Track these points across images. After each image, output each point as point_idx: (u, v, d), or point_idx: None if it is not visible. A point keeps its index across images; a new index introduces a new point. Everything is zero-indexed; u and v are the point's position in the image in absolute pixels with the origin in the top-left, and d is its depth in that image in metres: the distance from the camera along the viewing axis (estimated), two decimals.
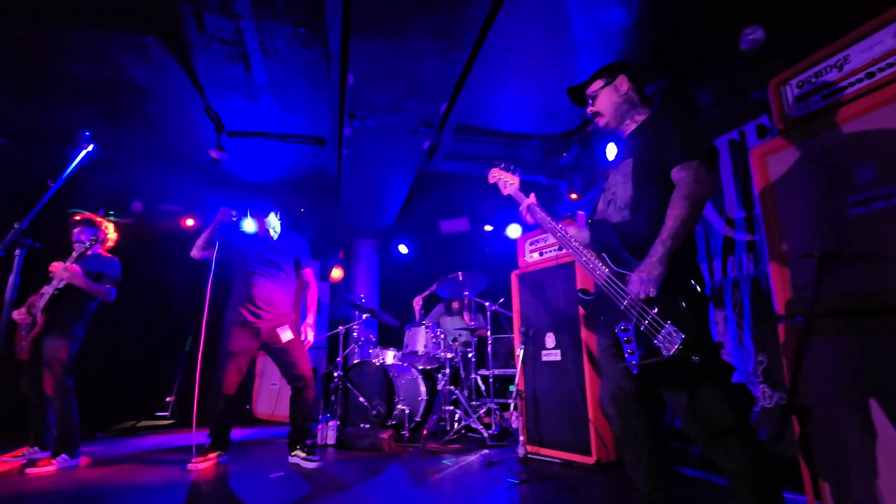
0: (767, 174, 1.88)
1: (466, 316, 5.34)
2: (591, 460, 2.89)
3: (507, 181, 2.18)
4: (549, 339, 3.31)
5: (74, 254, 3.24)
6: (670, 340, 1.36)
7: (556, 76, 3.88)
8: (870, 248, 1.52)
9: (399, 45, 3.19)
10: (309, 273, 3.53)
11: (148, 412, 5.55)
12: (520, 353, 3.41)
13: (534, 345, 3.42)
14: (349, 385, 4.19)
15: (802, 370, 1.53)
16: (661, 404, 1.59)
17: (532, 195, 2.06)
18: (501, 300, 4.67)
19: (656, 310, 1.42)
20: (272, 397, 5.55)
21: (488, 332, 4.61)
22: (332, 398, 4.30)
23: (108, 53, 3.66)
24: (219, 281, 3.33)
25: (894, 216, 1.48)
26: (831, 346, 1.60)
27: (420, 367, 4.52)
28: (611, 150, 4.14)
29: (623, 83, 1.76)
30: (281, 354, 3.23)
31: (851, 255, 1.55)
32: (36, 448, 3.31)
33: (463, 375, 4.60)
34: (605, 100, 1.79)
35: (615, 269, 1.57)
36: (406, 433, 3.94)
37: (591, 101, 1.84)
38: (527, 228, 4.61)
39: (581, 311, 3.12)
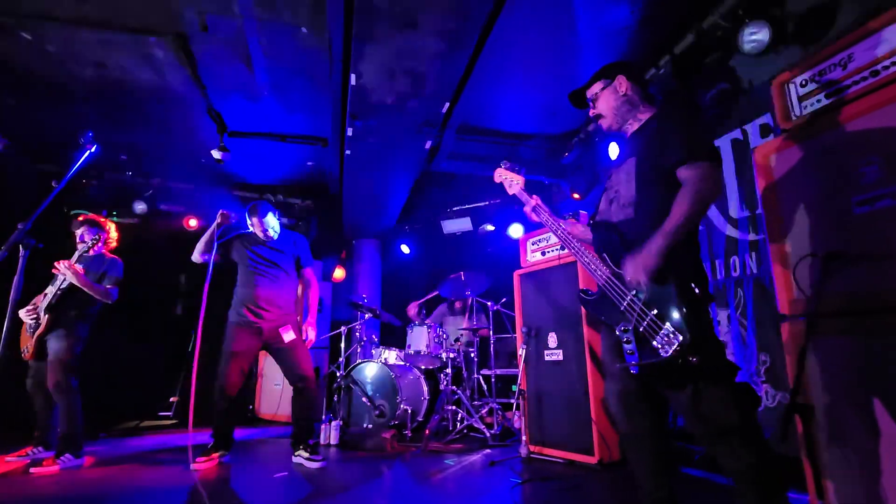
0: (770, 173, 1.88)
1: (466, 322, 5.35)
2: (593, 460, 2.88)
3: (512, 181, 2.18)
4: (552, 339, 3.31)
5: (77, 253, 3.26)
6: (668, 342, 1.36)
7: (559, 75, 3.87)
8: (874, 247, 1.52)
9: (401, 45, 3.19)
10: (310, 272, 3.53)
11: (151, 412, 5.57)
12: (522, 352, 3.41)
13: (536, 344, 3.41)
14: (352, 385, 4.19)
15: (806, 370, 1.53)
16: (665, 403, 1.59)
17: (535, 196, 2.06)
18: (504, 300, 4.66)
19: (655, 311, 1.42)
20: (275, 397, 5.55)
21: (490, 332, 4.60)
22: (335, 398, 4.31)
23: (111, 55, 3.67)
24: (218, 282, 3.34)
25: None
26: (835, 346, 1.60)
27: (422, 367, 4.53)
28: (613, 150, 4.13)
29: (622, 83, 1.76)
30: (283, 354, 3.24)
31: (855, 255, 1.54)
32: (40, 448, 3.32)
33: (465, 375, 4.60)
34: (606, 101, 1.79)
35: (616, 269, 1.57)
36: (408, 433, 3.94)
37: (591, 104, 1.84)
38: (530, 228, 4.61)
39: (584, 310, 3.12)
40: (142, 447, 3.91)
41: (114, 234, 3.63)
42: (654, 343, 1.40)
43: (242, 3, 3.11)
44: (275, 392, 5.58)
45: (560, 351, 3.24)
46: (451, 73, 3.52)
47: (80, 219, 3.50)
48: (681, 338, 1.34)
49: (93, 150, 2.11)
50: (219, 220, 3.24)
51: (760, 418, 2.80)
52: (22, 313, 3.26)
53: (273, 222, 3.38)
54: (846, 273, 1.57)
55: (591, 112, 1.84)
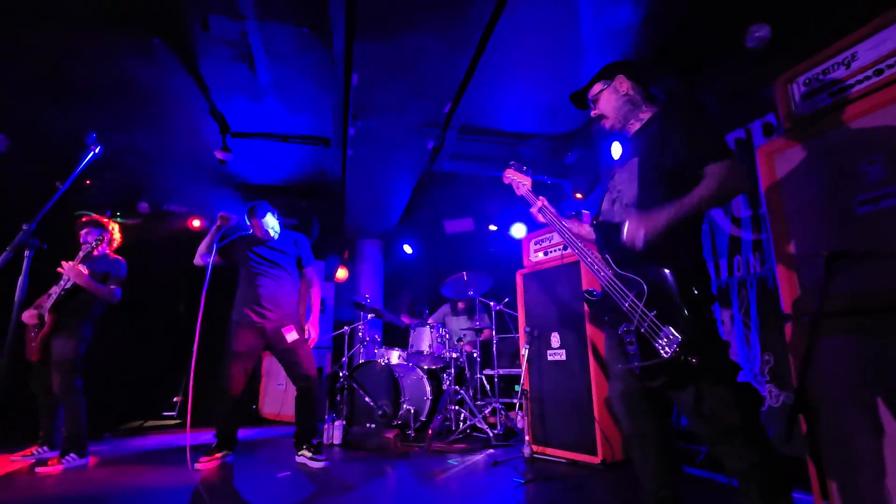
0: (774, 172, 1.87)
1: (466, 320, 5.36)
2: (596, 460, 2.88)
3: (520, 182, 2.19)
4: (555, 339, 3.31)
5: (81, 254, 3.27)
6: (668, 343, 1.36)
7: (561, 75, 3.87)
8: (878, 246, 1.51)
9: (403, 46, 3.19)
10: (311, 272, 3.54)
11: (155, 412, 5.59)
12: (525, 352, 3.41)
13: (539, 344, 3.41)
14: (354, 385, 4.20)
15: (810, 370, 1.52)
16: (668, 404, 1.59)
17: (542, 197, 2.06)
18: (506, 300, 4.66)
19: (655, 312, 1.42)
20: (278, 397, 5.57)
21: (493, 332, 4.60)
22: (338, 398, 4.32)
23: (114, 56, 3.69)
24: (221, 282, 3.35)
25: None
26: (839, 346, 1.59)
27: (425, 367, 4.53)
28: (616, 149, 4.13)
29: (622, 83, 1.75)
30: (286, 355, 3.25)
31: (859, 254, 1.54)
32: (45, 447, 3.35)
33: (468, 375, 4.60)
34: (607, 102, 1.78)
35: (618, 270, 1.57)
36: (411, 433, 3.95)
37: (593, 105, 1.84)
38: (533, 228, 4.60)
39: (587, 309, 3.11)
40: (146, 447, 3.92)
41: (117, 235, 3.64)
42: (656, 344, 1.40)
43: (245, 3, 3.12)
44: (278, 392, 5.59)
45: (563, 351, 3.24)
46: (453, 73, 3.53)
47: (84, 219, 3.51)
48: (680, 338, 1.34)
49: (97, 150, 2.12)
50: (218, 222, 3.25)
51: (764, 418, 2.79)
52: (25, 317, 3.27)
53: (272, 222, 3.38)
54: (850, 272, 1.56)
55: (593, 113, 1.84)
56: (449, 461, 3.23)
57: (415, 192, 5.70)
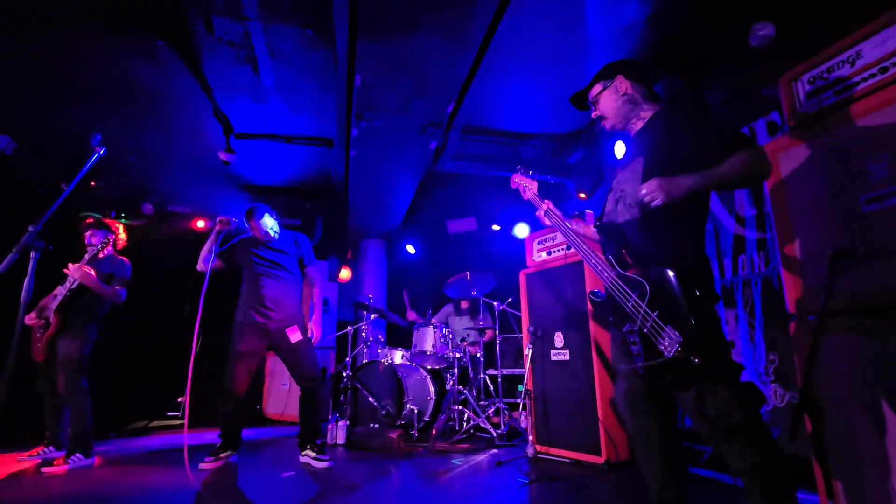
0: (778, 171, 1.86)
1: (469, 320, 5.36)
2: (600, 460, 2.88)
3: (527, 186, 2.21)
4: (558, 339, 3.30)
5: (87, 256, 3.29)
6: (671, 342, 1.36)
7: (564, 74, 3.86)
8: (884, 245, 1.50)
9: (406, 46, 3.19)
10: (313, 271, 3.55)
11: (160, 412, 5.61)
12: (528, 352, 3.40)
13: (542, 344, 3.41)
14: (358, 385, 4.20)
15: (815, 369, 1.52)
16: (673, 403, 1.59)
17: (547, 201, 2.07)
18: (510, 300, 4.66)
19: (657, 312, 1.42)
20: (282, 397, 5.59)
21: (496, 332, 4.60)
22: (342, 398, 4.32)
23: (119, 58, 3.71)
24: (224, 283, 3.36)
25: None
26: (844, 345, 1.58)
27: (428, 367, 4.53)
28: (619, 149, 4.12)
29: (622, 83, 1.75)
30: (290, 355, 3.26)
31: (865, 253, 1.53)
32: (51, 447, 3.37)
33: (471, 375, 4.60)
34: (607, 102, 1.78)
35: (621, 271, 1.57)
36: (415, 433, 3.95)
37: (593, 106, 1.84)
38: (536, 227, 4.60)
39: (590, 309, 3.11)
40: (150, 447, 3.94)
41: (122, 236, 3.66)
42: (658, 344, 1.40)
43: (248, 5, 3.13)
44: (282, 392, 5.61)
45: (566, 350, 3.24)
46: (456, 73, 3.53)
47: (89, 221, 3.53)
48: (682, 338, 1.34)
49: (101, 152, 2.13)
50: (217, 227, 3.26)
51: (769, 418, 2.78)
52: (28, 320, 3.29)
53: (271, 223, 3.39)
54: (855, 271, 1.56)
55: (594, 114, 1.84)
56: (452, 461, 3.23)
57: (418, 192, 5.70)
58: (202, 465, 2.97)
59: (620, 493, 2.47)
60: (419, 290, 5.74)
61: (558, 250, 3.52)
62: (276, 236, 3.42)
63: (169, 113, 4.50)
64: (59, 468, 2.94)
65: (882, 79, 1.60)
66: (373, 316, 4.93)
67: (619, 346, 1.65)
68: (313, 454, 3.12)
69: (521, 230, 5.82)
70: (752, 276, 3.06)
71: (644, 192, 1.47)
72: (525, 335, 3.56)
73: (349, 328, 4.81)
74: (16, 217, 2.58)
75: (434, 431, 3.71)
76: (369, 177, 5.18)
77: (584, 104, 1.89)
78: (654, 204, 1.44)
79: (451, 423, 4.19)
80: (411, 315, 5.45)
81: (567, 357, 3.23)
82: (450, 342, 4.53)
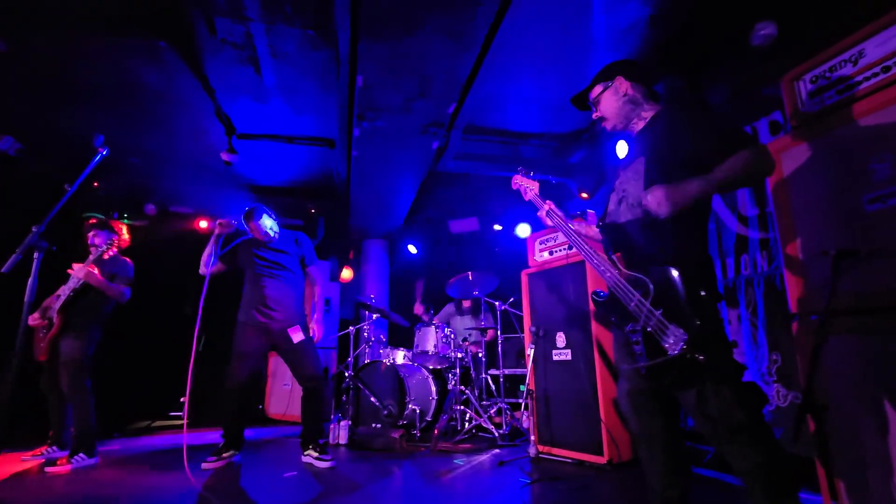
0: (781, 170, 1.86)
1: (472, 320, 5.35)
2: (602, 460, 2.87)
3: (528, 187, 2.21)
4: (560, 339, 3.30)
5: (92, 256, 3.30)
6: (675, 340, 1.36)
7: (566, 74, 3.86)
8: (887, 244, 1.50)
9: (408, 46, 3.20)
10: (314, 270, 3.56)
11: (162, 412, 5.63)
12: (530, 352, 3.40)
13: (544, 344, 3.41)
14: (360, 385, 4.21)
15: (818, 369, 1.51)
16: (676, 403, 1.59)
17: (549, 201, 2.07)
18: (511, 299, 4.66)
19: (661, 311, 1.42)
20: (284, 397, 5.60)
21: (498, 332, 4.60)
22: (344, 398, 4.33)
23: (121, 59, 3.72)
24: (226, 283, 3.37)
25: None
26: (847, 345, 1.58)
27: (430, 367, 4.53)
28: (621, 148, 4.11)
29: (622, 84, 1.75)
30: (292, 355, 3.26)
31: (868, 252, 1.53)
32: (55, 447, 3.38)
33: (473, 375, 4.61)
34: (607, 104, 1.78)
35: (624, 270, 1.57)
36: (417, 433, 3.95)
37: (594, 107, 1.84)
38: (538, 227, 4.60)
39: (592, 309, 3.11)
40: (154, 447, 3.95)
41: (126, 236, 3.68)
42: (662, 342, 1.40)
43: (250, 6, 3.14)
44: (284, 392, 5.62)
45: (568, 350, 3.24)
46: (458, 73, 3.53)
47: (92, 221, 3.54)
48: (687, 336, 1.34)
49: (104, 152, 2.14)
50: (217, 230, 3.27)
51: (772, 418, 2.78)
52: (30, 321, 3.30)
53: (270, 223, 3.39)
54: (858, 271, 1.55)
55: (594, 115, 1.84)
56: (455, 461, 3.23)
57: (419, 192, 5.71)
58: (205, 465, 2.98)
59: (623, 493, 2.47)
60: (422, 289, 5.74)
61: (560, 250, 3.52)
62: (276, 236, 3.43)
63: (171, 113, 4.51)
64: (62, 468, 2.95)
65: (885, 78, 1.60)
66: (374, 316, 4.93)
67: (622, 345, 1.65)
68: (316, 454, 3.12)
69: (523, 230, 5.82)
70: (754, 276, 3.05)
71: (649, 203, 1.45)
72: (527, 335, 3.56)
73: (351, 328, 4.81)
74: (19, 218, 2.59)
75: (436, 431, 3.71)
76: (371, 177, 5.19)
77: (584, 105, 1.89)
78: (662, 216, 1.42)
79: (453, 423, 4.19)
80: (418, 309, 5.43)
81: (569, 357, 3.22)
82: (452, 342, 4.53)
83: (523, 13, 3.09)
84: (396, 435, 3.64)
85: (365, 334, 4.96)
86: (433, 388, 4.28)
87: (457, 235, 6.76)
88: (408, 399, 3.95)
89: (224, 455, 3.09)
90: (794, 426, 1.40)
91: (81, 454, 3.07)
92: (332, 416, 4.16)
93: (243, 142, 4.89)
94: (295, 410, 5.37)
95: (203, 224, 6.17)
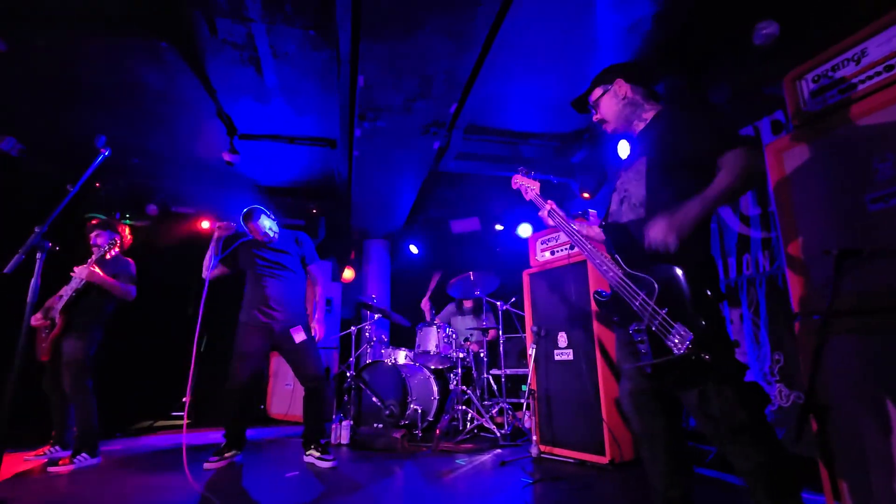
0: (783, 170, 1.85)
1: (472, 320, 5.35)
2: (604, 460, 2.87)
3: (528, 187, 2.21)
4: (562, 339, 3.30)
5: (94, 257, 3.30)
6: (681, 339, 1.36)
7: (567, 74, 3.86)
8: (889, 244, 1.49)
9: (409, 46, 3.20)
10: (315, 269, 3.56)
11: (164, 412, 5.64)
12: (532, 352, 3.40)
13: (546, 344, 3.41)
14: (362, 385, 4.21)
15: (820, 369, 1.51)
16: (679, 403, 1.59)
17: (550, 201, 2.07)
18: (513, 299, 4.66)
19: (666, 310, 1.41)
20: (286, 397, 5.60)
21: (500, 332, 4.60)
22: (345, 398, 4.33)
23: (123, 59, 3.72)
24: (228, 284, 3.37)
25: None
26: (850, 345, 1.58)
27: (432, 367, 4.53)
28: (622, 147, 4.10)
29: (621, 86, 1.75)
30: (294, 356, 3.26)
31: (870, 252, 1.52)
32: (57, 447, 3.39)
33: (475, 375, 4.60)
34: (608, 106, 1.79)
35: (628, 270, 1.57)
36: (419, 433, 3.95)
37: (594, 110, 1.84)
38: (539, 227, 4.59)
39: (594, 309, 3.11)
40: (156, 446, 3.96)
41: (128, 236, 3.68)
42: (667, 341, 1.39)
43: (252, 6, 3.14)
44: (286, 392, 5.62)
45: (570, 350, 3.23)
46: (459, 73, 3.53)
47: (94, 222, 3.55)
48: (693, 335, 1.34)
49: (106, 153, 2.14)
50: (217, 233, 3.29)
51: (774, 418, 2.77)
52: (33, 321, 3.30)
53: (268, 223, 3.40)
54: (861, 270, 1.55)
55: (595, 118, 1.84)
56: (456, 461, 3.23)
57: (421, 192, 5.71)
58: (206, 465, 2.98)
59: (625, 493, 2.47)
60: (422, 290, 5.73)
61: (561, 250, 3.52)
62: (276, 237, 3.44)
63: (173, 114, 4.52)
64: (64, 468, 2.96)
65: (887, 77, 1.59)
66: (376, 316, 4.93)
67: (625, 345, 1.65)
68: (317, 454, 3.12)
69: (525, 230, 5.81)
70: (756, 276, 3.04)
71: (654, 240, 1.43)
72: (528, 335, 3.56)
73: (352, 328, 4.81)
74: (21, 218, 2.60)
75: (438, 431, 3.71)
76: (372, 177, 5.19)
77: (584, 108, 1.90)
78: (672, 249, 1.40)
79: (454, 423, 4.19)
80: (426, 304, 5.41)
81: (571, 357, 3.22)
82: (453, 342, 4.53)
83: (524, 13, 3.09)
84: (398, 435, 3.65)
85: (366, 334, 4.96)
86: (435, 388, 4.28)
87: (458, 235, 6.76)
88: (409, 399, 3.95)
89: (226, 455, 3.09)
90: (797, 426, 1.40)
91: (84, 454, 3.08)
92: (333, 416, 4.16)
93: (245, 142, 4.90)
94: (297, 410, 5.36)
95: (205, 224, 6.18)
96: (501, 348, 4.60)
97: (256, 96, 4.23)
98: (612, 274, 1.62)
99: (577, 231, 1.87)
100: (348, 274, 7.31)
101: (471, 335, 5.02)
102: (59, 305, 3.25)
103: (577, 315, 3.21)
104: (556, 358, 3.32)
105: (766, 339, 2.92)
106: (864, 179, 1.58)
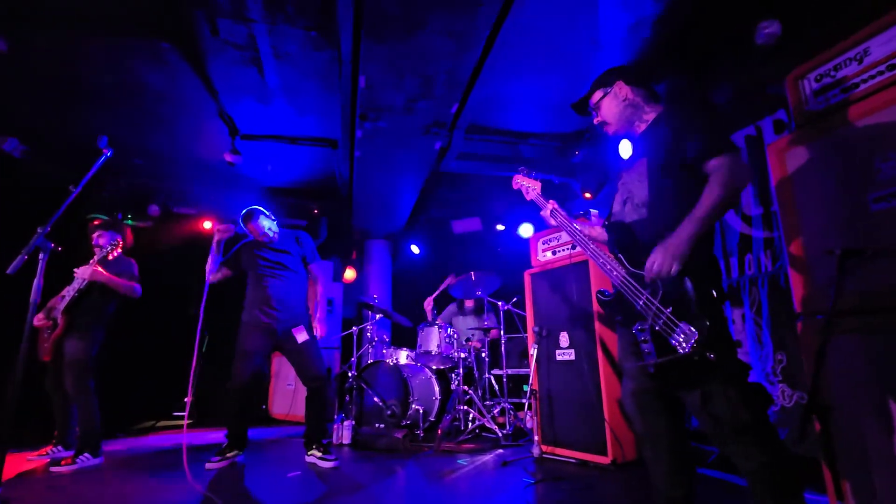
0: (785, 170, 1.85)
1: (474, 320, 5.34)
2: (606, 460, 2.87)
3: (529, 187, 2.21)
4: (563, 339, 3.30)
5: (96, 257, 3.31)
6: (685, 339, 1.36)
7: (568, 74, 3.85)
8: (892, 243, 1.49)
9: (410, 47, 3.20)
10: (316, 268, 3.56)
11: (166, 412, 5.65)
12: (533, 352, 3.40)
13: (547, 344, 3.40)
14: (364, 385, 4.21)
15: (823, 369, 1.51)
16: (681, 403, 1.58)
17: (552, 201, 2.07)
18: (514, 299, 4.66)
19: (670, 309, 1.41)
20: (288, 397, 5.61)
21: (501, 332, 4.60)
22: (347, 398, 4.33)
23: (125, 60, 3.73)
24: (229, 285, 3.37)
25: None
26: (852, 345, 1.57)
27: (433, 367, 4.53)
28: (624, 148, 4.10)
29: (621, 89, 1.75)
30: (296, 356, 3.27)
31: (873, 252, 1.52)
32: (60, 447, 3.39)
33: (476, 375, 4.60)
34: (608, 109, 1.79)
35: (631, 269, 1.57)
36: (421, 433, 3.95)
37: (595, 112, 1.84)
38: (541, 227, 4.59)
39: (596, 309, 3.10)
40: (157, 446, 3.97)
41: (129, 237, 3.69)
42: (671, 340, 1.39)
43: (253, 7, 3.14)
44: (287, 392, 5.63)
45: (572, 350, 3.23)
46: (460, 73, 3.52)
47: (96, 222, 3.56)
48: (698, 334, 1.34)
49: (108, 154, 2.15)
50: (217, 235, 3.30)
51: (777, 418, 2.77)
52: (35, 321, 3.31)
53: (268, 224, 3.41)
54: (864, 270, 1.54)
55: (596, 120, 1.85)
56: (458, 461, 3.23)
57: (422, 192, 5.70)
58: (208, 465, 2.99)
59: (627, 493, 2.46)
60: (423, 290, 5.73)
61: (563, 250, 3.51)
62: (276, 237, 3.44)
63: (174, 114, 4.52)
64: (67, 468, 2.96)
65: (890, 76, 1.59)
66: (378, 316, 4.93)
67: (628, 344, 1.65)
68: (319, 454, 3.13)
69: (526, 230, 5.81)
70: (758, 276, 3.04)
71: (658, 270, 1.44)
72: (530, 335, 3.56)
73: (354, 328, 4.81)
74: (24, 219, 2.61)
75: (439, 431, 3.71)
76: (373, 177, 5.19)
77: (585, 111, 1.90)
78: (675, 274, 1.41)
79: (456, 423, 4.19)
80: (429, 304, 5.39)
81: (572, 357, 3.22)
82: (455, 342, 4.53)
83: (525, 13, 3.09)
84: (400, 435, 3.65)
85: (368, 334, 4.96)
86: (436, 389, 4.28)
87: (460, 235, 6.75)
88: (411, 399, 3.95)
89: (227, 455, 3.10)
90: (800, 426, 1.40)
91: (86, 454, 3.09)
92: (335, 416, 4.16)
93: (246, 142, 4.90)
94: (298, 410, 5.38)
95: (207, 225, 6.19)
96: (503, 348, 4.59)
97: (258, 97, 4.24)
98: (615, 273, 1.62)
99: (579, 231, 1.88)
100: (350, 274, 7.31)
101: (472, 335, 5.02)
102: (62, 306, 3.26)
103: (579, 315, 3.21)
104: (558, 358, 3.32)
105: (768, 340, 2.92)
106: (866, 179, 1.58)
